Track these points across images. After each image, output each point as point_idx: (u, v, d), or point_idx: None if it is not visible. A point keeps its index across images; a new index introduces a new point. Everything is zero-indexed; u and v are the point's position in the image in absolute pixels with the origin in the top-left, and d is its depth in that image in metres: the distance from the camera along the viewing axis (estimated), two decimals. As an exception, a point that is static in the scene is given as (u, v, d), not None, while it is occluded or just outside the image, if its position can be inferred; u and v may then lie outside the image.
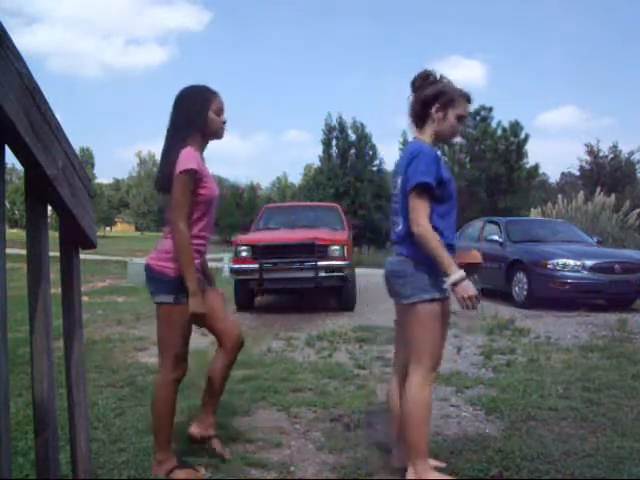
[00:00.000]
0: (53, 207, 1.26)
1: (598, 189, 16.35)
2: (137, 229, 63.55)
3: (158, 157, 2.29)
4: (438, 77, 2.09)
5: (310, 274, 6.57)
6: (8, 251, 1.06)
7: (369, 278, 10.86)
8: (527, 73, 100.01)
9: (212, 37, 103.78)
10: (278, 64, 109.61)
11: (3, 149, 1.01)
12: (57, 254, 1.41)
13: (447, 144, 2.00)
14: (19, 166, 1.19)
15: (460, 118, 2.08)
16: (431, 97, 2.04)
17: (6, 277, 1.00)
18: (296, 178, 62.38)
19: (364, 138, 27.03)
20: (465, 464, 2.27)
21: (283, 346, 4.79)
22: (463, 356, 4.40)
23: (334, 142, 27.19)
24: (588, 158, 29.17)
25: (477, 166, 23.60)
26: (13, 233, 33.27)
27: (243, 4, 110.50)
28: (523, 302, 7.34)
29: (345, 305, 7.06)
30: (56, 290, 1.26)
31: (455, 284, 1.90)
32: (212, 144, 2.26)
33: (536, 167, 25.28)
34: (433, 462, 2.15)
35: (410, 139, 2.23)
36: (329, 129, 27.20)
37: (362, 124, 27.14)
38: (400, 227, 2.07)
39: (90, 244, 1.47)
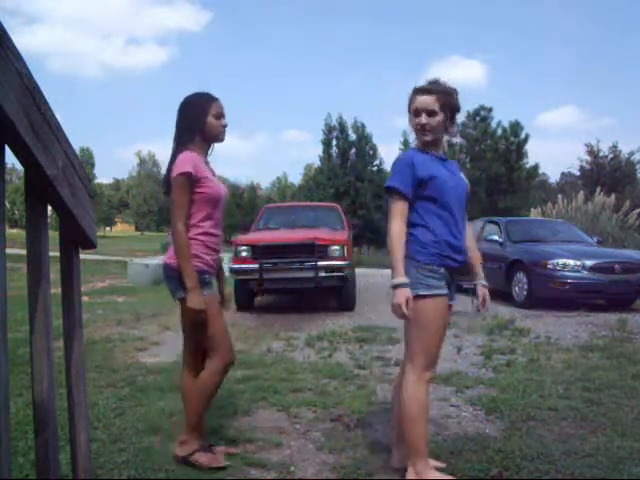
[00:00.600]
0: (53, 207, 1.26)
1: (598, 189, 16.33)
2: (137, 229, 63.64)
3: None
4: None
5: (310, 274, 6.57)
6: (8, 251, 1.06)
7: (369, 278, 10.89)
8: (527, 73, 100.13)
9: (212, 37, 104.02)
10: (278, 64, 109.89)
11: (3, 149, 1.01)
12: (57, 254, 1.41)
13: (423, 144, 2.07)
14: (19, 166, 1.18)
15: (416, 112, 2.07)
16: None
17: (6, 277, 1.00)
18: (296, 178, 62.63)
19: (364, 138, 27.07)
20: (465, 464, 2.27)
21: (283, 346, 4.78)
22: (463, 356, 4.39)
23: (334, 142, 27.23)
24: (588, 158, 29.20)
25: (477, 166, 23.64)
26: (13, 233, 33.30)
27: (243, 4, 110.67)
28: (523, 302, 7.33)
29: (345, 305, 7.05)
30: (56, 290, 1.26)
31: (393, 287, 1.94)
32: (214, 145, 2.34)
33: (536, 167, 25.34)
34: (433, 462, 2.15)
35: (410, 140, 2.30)
36: (329, 129, 27.24)
37: (363, 124, 27.21)
38: None
39: (90, 244, 1.46)
